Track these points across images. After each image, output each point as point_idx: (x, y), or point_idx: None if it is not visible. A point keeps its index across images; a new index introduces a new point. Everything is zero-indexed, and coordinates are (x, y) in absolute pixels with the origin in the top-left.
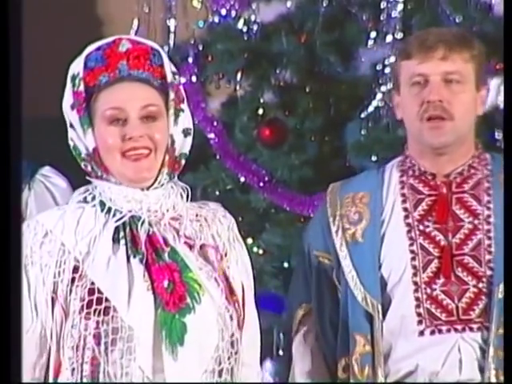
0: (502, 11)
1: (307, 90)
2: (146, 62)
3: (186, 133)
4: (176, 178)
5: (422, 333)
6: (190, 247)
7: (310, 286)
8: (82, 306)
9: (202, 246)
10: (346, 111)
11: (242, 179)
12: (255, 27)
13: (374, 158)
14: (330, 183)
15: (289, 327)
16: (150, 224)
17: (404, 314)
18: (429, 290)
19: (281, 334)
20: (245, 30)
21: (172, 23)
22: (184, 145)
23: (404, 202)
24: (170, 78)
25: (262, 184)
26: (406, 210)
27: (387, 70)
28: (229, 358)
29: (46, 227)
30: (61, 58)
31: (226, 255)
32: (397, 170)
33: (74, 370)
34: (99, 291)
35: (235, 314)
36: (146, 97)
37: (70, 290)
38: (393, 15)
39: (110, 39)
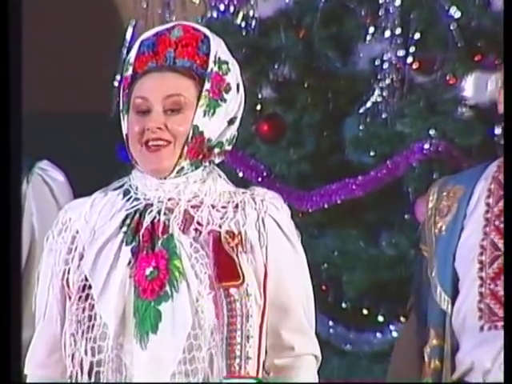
0: (501, 6)
1: (305, 85)
2: (193, 50)
3: (229, 122)
4: (211, 165)
5: (481, 328)
6: (200, 233)
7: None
8: (75, 293)
9: (210, 232)
10: (344, 106)
11: (241, 174)
12: (253, 22)
13: (372, 153)
14: (328, 178)
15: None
16: (159, 212)
17: (468, 308)
18: (492, 286)
19: None
20: (243, 25)
21: (170, 18)
22: (223, 133)
23: (488, 196)
24: (210, 67)
25: (260, 179)
26: (488, 204)
27: (385, 66)
28: (204, 347)
29: (68, 214)
30: (58, 54)
31: (244, 241)
32: (496, 165)
33: (70, 357)
34: (86, 278)
35: (223, 300)
36: (173, 87)
37: (74, 277)
38: (391, 10)
39: (168, 25)
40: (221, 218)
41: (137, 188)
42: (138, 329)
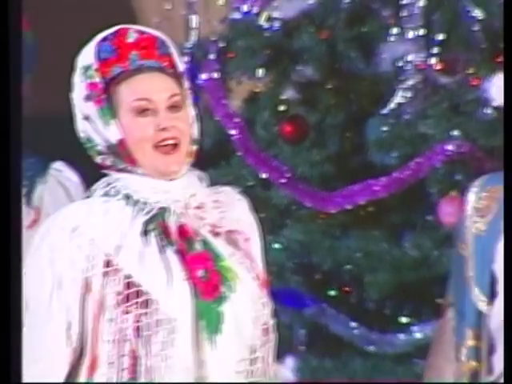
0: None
1: (328, 86)
2: (154, 51)
3: (195, 120)
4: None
5: None
6: (217, 234)
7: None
8: (120, 300)
9: (228, 233)
10: (367, 107)
11: (264, 175)
12: (277, 23)
13: (394, 154)
14: (350, 179)
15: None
16: (178, 214)
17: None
18: None
19: (302, 330)
20: (266, 26)
21: (194, 19)
22: (195, 132)
23: None
24: (180, 66)
25: (283, 180)
26: None
27: (408, 67)
28: (262, 347)
29: (74, 221)
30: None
31: (249, 239)
32: None
33: (111, 363)
34: (137, 284)
35: (268, 300)
36: (168, 86)
37: (104, 285)
38: (414, 11)
39: (112, 29)
40: (223, 218)
41: (137, 192)
42: (205, 330)
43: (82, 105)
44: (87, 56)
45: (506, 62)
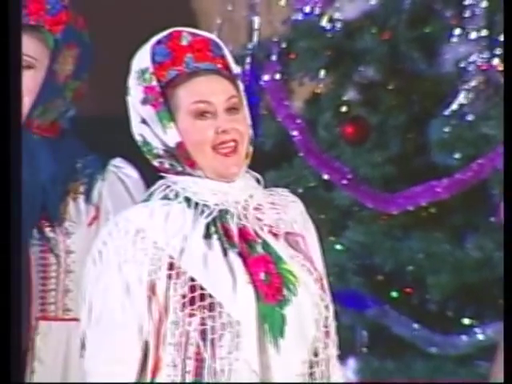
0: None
1: (390, 87)
2: (208, 53)
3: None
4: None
5: None
6: (276, 236)
7: None
8: (184, 303)
9: (286, 234)
10: (429, 108)
11: (325, 176)
12: (339, 24)
13: (457, 156)
14: (412, 180)
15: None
16: (239, 216)
17: None
18: None
19: (363, 332)
20: (328, 27)
21: (255, 21)
22: (252, 133)
23: None
24: (234, 68)
25: (344, 181)
26: None
27: (471, 67)
28: (324, 349)
29: (137, 225)
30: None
31: (308, 241)
32: None
33: (175, 366)
34: (201, 288)
35: (330, 303)
36: (225, 88)
37: (168, 287)
38: (477, 12)
39: (165, 32)
40: (280, 220)
41: (197, 194)
42: (269, 334)
43: (138, 108)
44: (143, 59)
45: (505, 62)
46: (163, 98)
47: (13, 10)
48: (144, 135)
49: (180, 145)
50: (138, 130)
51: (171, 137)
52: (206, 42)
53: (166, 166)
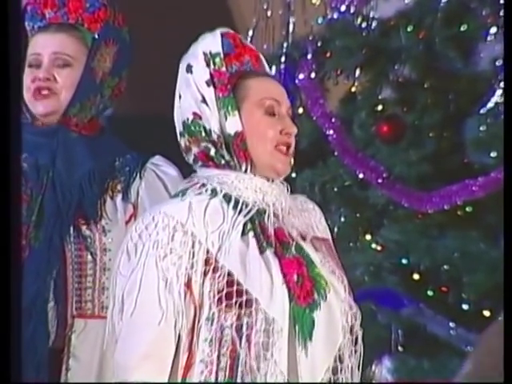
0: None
1: (426, 85)
2: (260, 64)
3: None
4: None
5: None
6: (304, 240)
7: None
8: (220, 298)
9: (314, 239)
10: (464, 107)
11: (361, 175)
12: (374, 23)
13: (493, 155)
14: (448, 179)
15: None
16: (277, 216)
17: None
18: None
19: (399, 331)
20: (363, 26)
21: (291, 20)
22: None
23: None
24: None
25: (380, 180)
26: None
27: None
28: (350, 357)
29: (176, 219)
30: (177, 57)
31: (332, 247)
32: None
33: (208, 362)
34: (238, 283)
35: (358, 311)
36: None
37: (203, 282)
38: None
39: (222, 29)
40: (307, 224)
41: (238, 190)
42: (300, 335)
43: (202, 87)
44: (213, 44)
45: (505, 62)
46: (231, 85)
47: (13, 9)
48: (201, 115)
49: (239, 134)
50: (193, 109)
51: (232, 125)
52: (256, 54)
53: (211, 153)
